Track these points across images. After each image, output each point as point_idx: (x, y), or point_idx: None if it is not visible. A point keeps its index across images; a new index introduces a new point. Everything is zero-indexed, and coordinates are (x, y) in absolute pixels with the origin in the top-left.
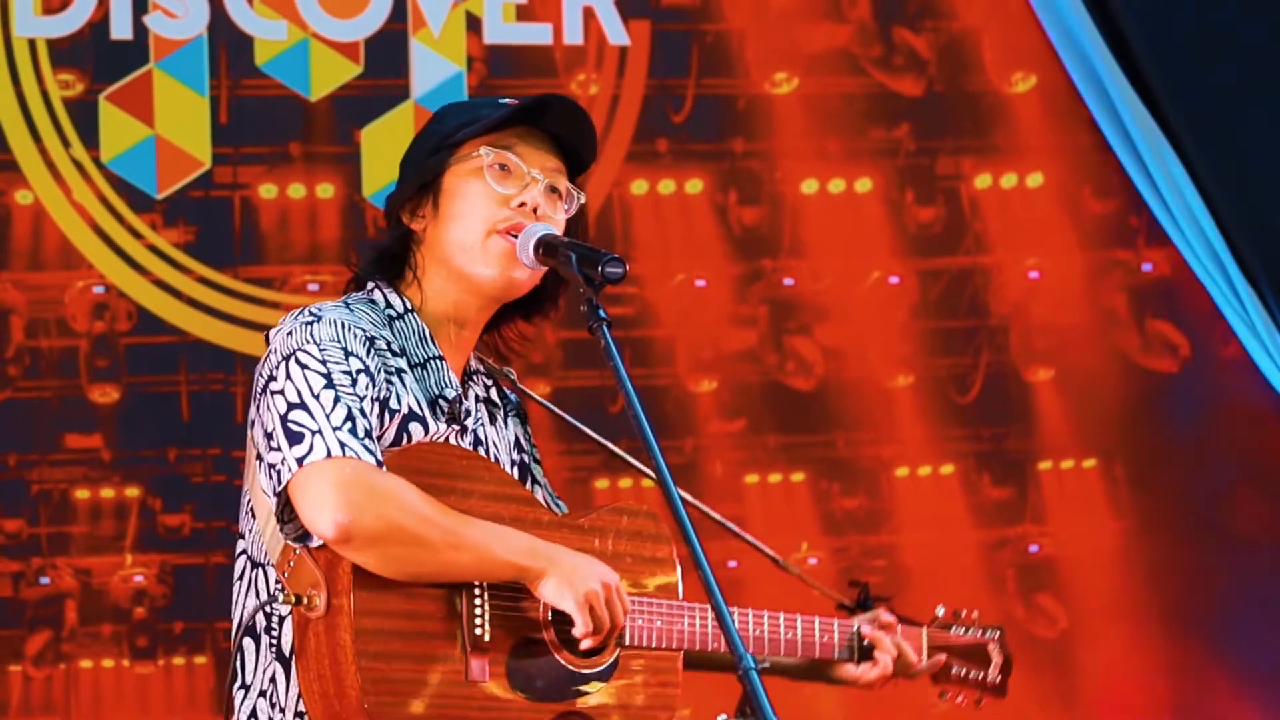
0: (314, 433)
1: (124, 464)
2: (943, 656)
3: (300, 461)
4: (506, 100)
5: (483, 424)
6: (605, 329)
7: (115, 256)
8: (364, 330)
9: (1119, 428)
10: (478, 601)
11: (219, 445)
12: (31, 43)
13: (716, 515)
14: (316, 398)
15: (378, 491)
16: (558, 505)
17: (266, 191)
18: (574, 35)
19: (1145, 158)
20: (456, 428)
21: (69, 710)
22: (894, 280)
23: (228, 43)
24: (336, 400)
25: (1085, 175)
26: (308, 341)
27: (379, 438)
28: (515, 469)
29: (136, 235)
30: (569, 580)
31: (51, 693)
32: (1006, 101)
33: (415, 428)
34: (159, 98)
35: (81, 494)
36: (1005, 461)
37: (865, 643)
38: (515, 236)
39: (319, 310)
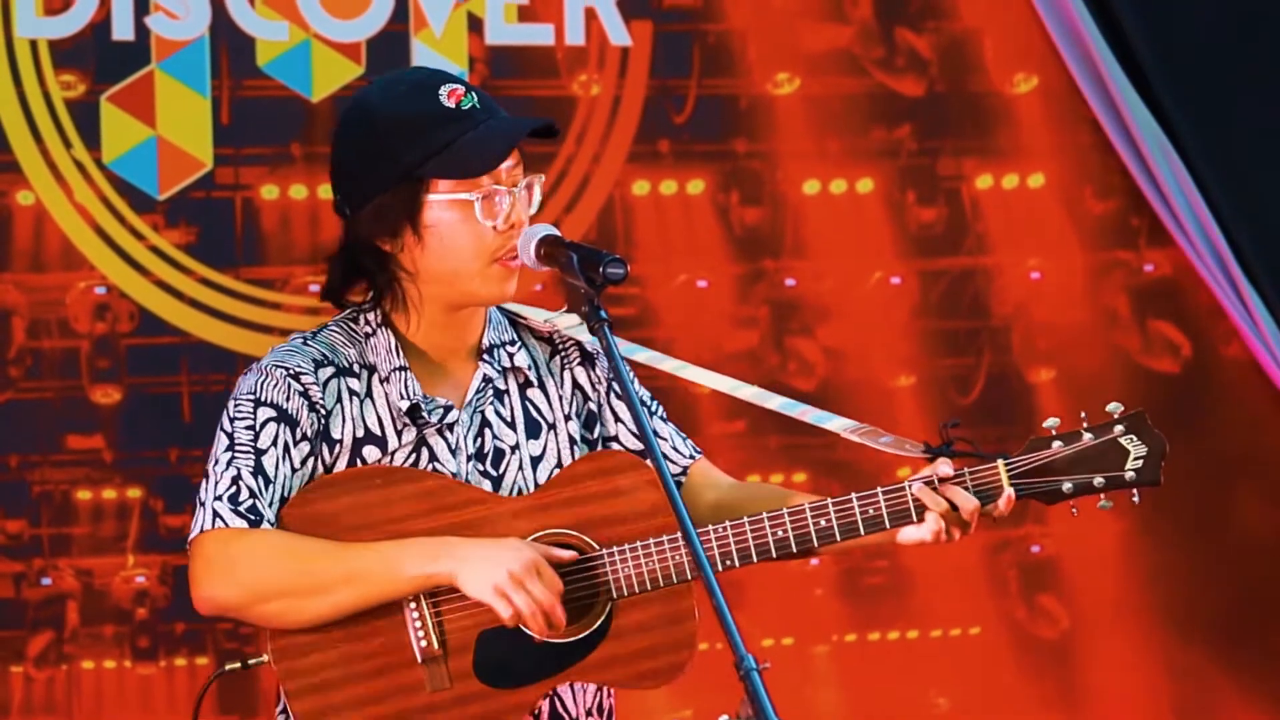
0: (200, 504)
1: (126, 465)
2: (1011, 494)
3: (189, 540)
4: (445, 97)
5: (489, 404)
6: (607, 330)
7: (117, 257)
8: (289, 369)
9: None
10: (415, 614)
11: None
12: (33, 43)
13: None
14: (215, 464)
15: (234, 558)
16: (681, 444)
17: (268, 192)
18: (575, 36)
19: (1147, 158)
20: (416, 434)
21: (70, 711)
22: (895, 281)
23: (229, 43)
24: (230, 463)
25: (1087, 176)
26: (231, 400)
27: (330, 467)
28: (573, 420)
29: (138, 236)
30: (478, 572)
31: (53, 694)
32: (1008, 102)
33: (369, 450)
34: (160, 98)
35: (83, 495)
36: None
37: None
38: (512, 260)
39: (262, 359)
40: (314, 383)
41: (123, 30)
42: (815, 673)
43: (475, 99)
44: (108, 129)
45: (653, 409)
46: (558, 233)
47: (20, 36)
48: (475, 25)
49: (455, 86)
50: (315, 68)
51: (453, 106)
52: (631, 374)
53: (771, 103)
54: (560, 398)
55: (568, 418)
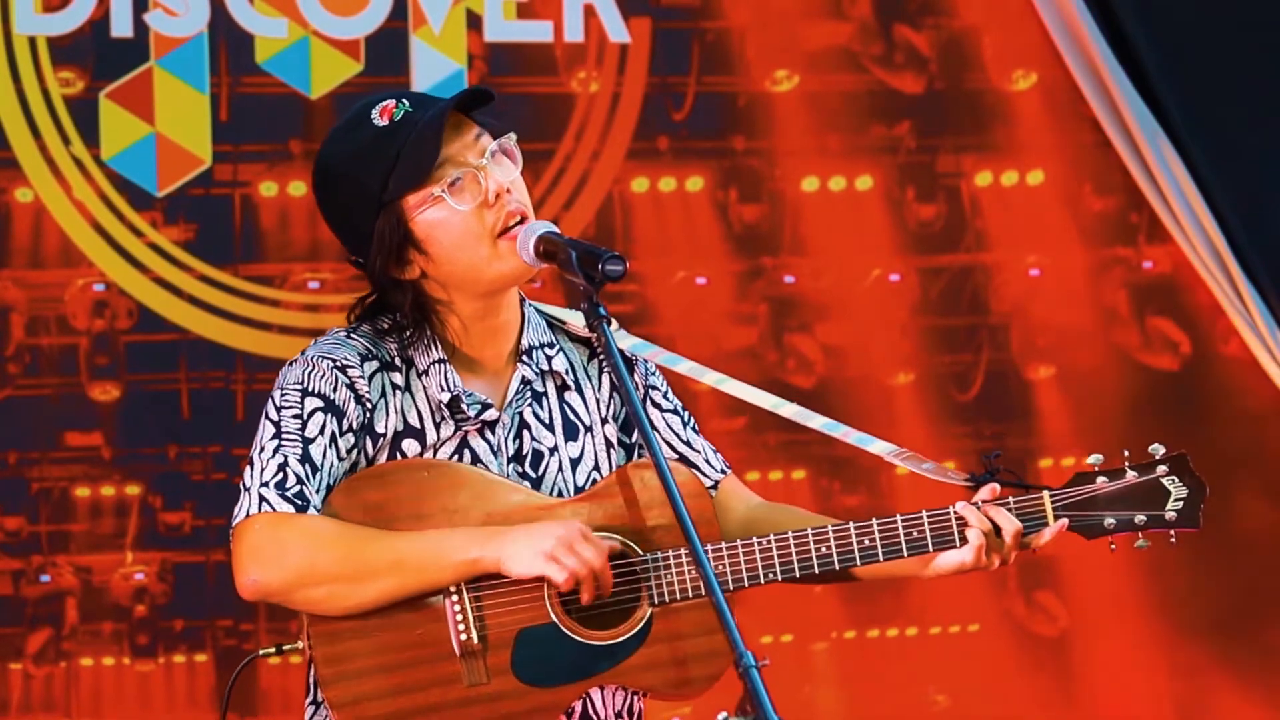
0: (245, 490)
1: (124, 462)
2: (1064, 522)
3: (232, 525)
4: (378, 117)
5: (528, 405)
6: (606, 327)
7: (115, 254)
8: (336, 360)
9: (1119, 425)
10: (456, 607)
11: (219, 443)
12: (32, 40)
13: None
14: (261, 451)
15: (282, 542)
16: (713, 458)
17: (267, 189)
18: (574, 33)
19: (1146, 155)
20: (461, 430)
21: (69, 708)
22: (894, 278)
23: (228, 40)
24: (277, 450)
25: (1086, 173)
26: (277, 388)
27: (372, 460)
28: (610, 423)
29: (137, 233)
30: (524, 549)
31: (52, 691)
32: (1007, 99)
33: (409, 444)
34: (159, 95)
35: (82, 492)
36: (1006, 459)
37: (960, 524)
38: (512, 226)
39: (306, 350)
40: (360, 376)
41: (121, 27)
42: (814, 670)
43: (407, 105)
44: (106, 126)
45: (686, 419)
46: (557, 229)
47: (19, 33)
48: (474, 22)
49: (386, 103)
50: (314, 65)
51: (386, 123)
52: (665, 382)
53: (770, 100)
54: (598, 401)
55: (604, 420)
